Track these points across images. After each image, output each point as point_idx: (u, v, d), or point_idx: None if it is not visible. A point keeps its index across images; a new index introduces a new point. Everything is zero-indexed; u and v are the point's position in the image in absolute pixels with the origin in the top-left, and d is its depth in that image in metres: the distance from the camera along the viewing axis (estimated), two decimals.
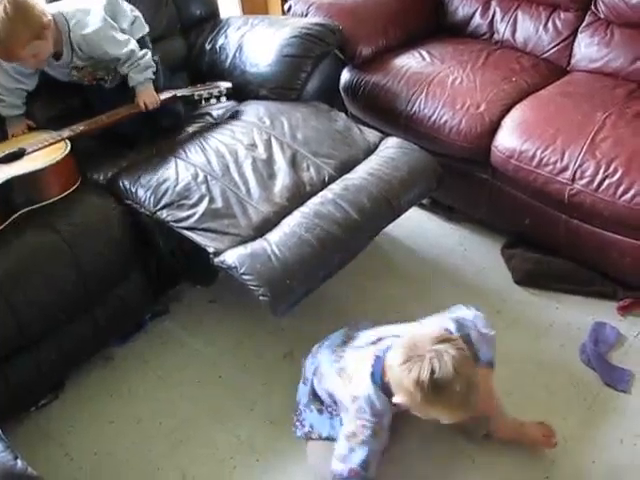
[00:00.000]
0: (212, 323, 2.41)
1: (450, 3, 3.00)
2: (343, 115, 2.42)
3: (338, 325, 1.98)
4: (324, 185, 2.11)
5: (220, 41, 2.69)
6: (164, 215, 2.02)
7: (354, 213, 2.00)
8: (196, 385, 2.21)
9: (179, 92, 2.42)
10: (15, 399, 2.04)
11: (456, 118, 2.44)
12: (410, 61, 2.70)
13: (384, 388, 1.64)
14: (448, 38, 2.90)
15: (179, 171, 2.12)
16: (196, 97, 2.43)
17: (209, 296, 2.49)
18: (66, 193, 2.10)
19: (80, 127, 2.21)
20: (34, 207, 2.04)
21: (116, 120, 2.27)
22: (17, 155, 2.11)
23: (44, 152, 2.11)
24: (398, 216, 2.14)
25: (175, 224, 1.99)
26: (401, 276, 2.51)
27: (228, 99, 2.47)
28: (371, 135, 2.34)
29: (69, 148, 2.12)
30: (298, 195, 2.07)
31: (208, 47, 2.72)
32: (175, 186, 2.07)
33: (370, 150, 2.28)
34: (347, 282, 2.38)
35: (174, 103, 2.41)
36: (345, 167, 2.19)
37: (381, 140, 2.33)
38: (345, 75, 2.76)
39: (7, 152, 2.12)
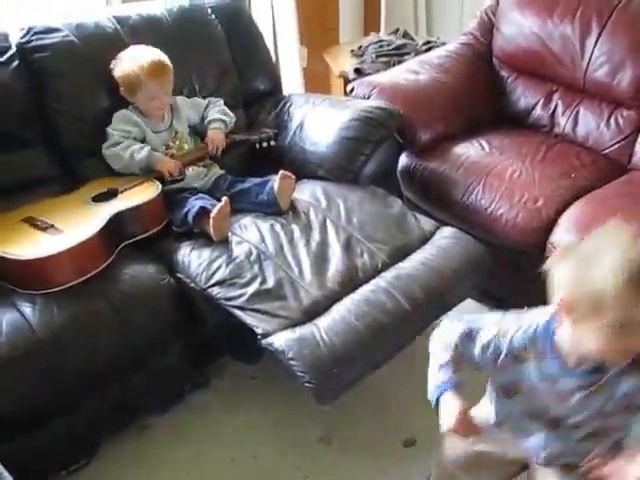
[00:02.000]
0: (251, 400, 2.39)
1: (512, 93, 3.02)
2: (399, 201, 2.42)
3: (379, 413, 1.94)
4: (377, 272, 2.10)
5: (282, 117, 2.73)
6: (215, 292, 2.02)
7: (405, 303, 1.98)
8: (229, 464, 2.18)
9: (237, 137, 2.61)
10: (47, 461, 2.03)
11: (513, 211, 2.43)
12: (469, 150, 2.71)
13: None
14: (508, 128, 2.90)
15: (233, 247, 2.13)
16: (252, 140, 2.62)
17: (250, 372, 2.47)
18: (159, 228, 2.26)
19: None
20: (134, 240, 2.21)
21: (186, 162, 2.43)
22: (111, 194, 2.26)
23: (135, 191, 2.28)
24: (449, 309, 2.12)
25: (225, 302, 1.99)
26: None
27: (275, 142, 2.62)
28: (426, 223, 2.33)
29: (160, 186, 2.27)
30: (350, 281, 2.06)
31: (269, 122, 2.76)
32: (228, 264, 2.07)
33: (425, 238, 2.27)
34: (391, 369, 2.34)
35: (233, 147, 2.60)
36: (399, 255, 2.18)
37: (436, 229, 2.32)
38: (403, 159, 2.78)
39: (100, 192, 2.27)
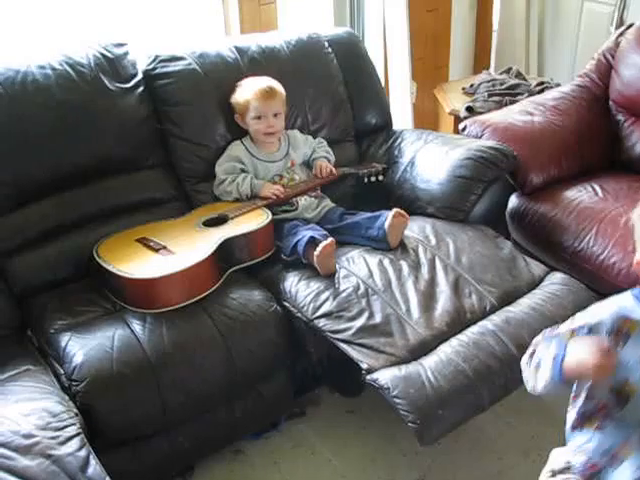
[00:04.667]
0: (347, 434, 2.38)
1: (627, 138, 2.94)
2: (509, 243, 2.38)
3: (475, 457, 1.90)
4: (485, 314, 2.07)
5: (392, 152, 2.75)
6: (321, 324, 2.03)
7: (514, 348, 1.94)
8: None
9: (347, 170, 2.66)
10: (145, 477, 2.07)
11: (626, 260, 2.34)
12: (582, 195, 2.65)
13: None
14: (623, 174, 2.83)
15: (340, 280, 2.14)
16: (360, 174, 2.65)
17: (347, 406, 2.46)
18: (267, 256, 2.31)
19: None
20: (242, 266, 2.26)
21: (298, 192, 2.49)
22: (222, 220, 2.32)
23: (246, 217, 2.33)
24: None
25: (331, 335, 2.00)
26: (548, 415, 2.40)
27: (384, 177, 2.65)
28: (536, 268, 2.29)
29: (270, 215, 2.31)
30: (458, 321, 2.03)
31: (379, 156, 2.78)
32: (336, 296, 2.08)
33: (534, 283, 2.22)
34: (491, 413, 2.30)
35: (343, 180, 2.67)
36: (508, 298, 2.14)
37: (546, 274, 2.27)
38: (513, 201, 2.74)
39: (211, 217, 2.34)
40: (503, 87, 3.47)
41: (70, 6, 2.91)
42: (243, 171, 2.48)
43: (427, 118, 3.74)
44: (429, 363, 1.89)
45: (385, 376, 1.84)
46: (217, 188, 2.49)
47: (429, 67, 3.96)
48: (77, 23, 2.94)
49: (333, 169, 2.58)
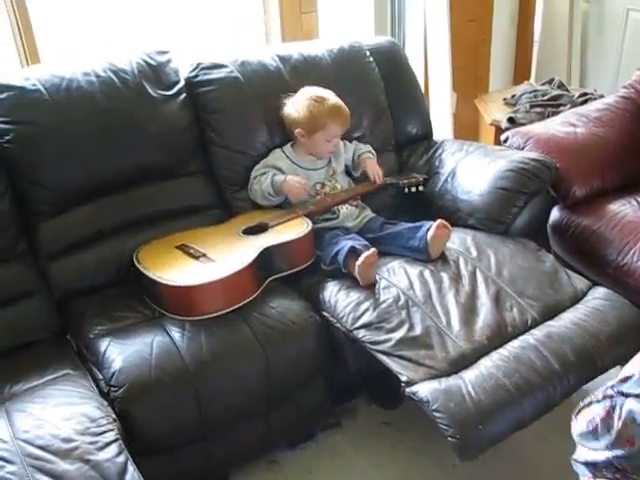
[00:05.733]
0: (382, 446, 2.37)
1: None
2: (551, 257, 2.35)
3: (514, 474, 1.87)
4: (526, 328, 2.04)
5: (433, 163, 2.74)
6: (360, 335, 2.02)
7: (555, 364, 1.91)
8: None
9: (387, 180, 2.64)
10: None
11: None
12: (625, 208, 2.60)
13: None
14: None
15: (380, 291, 2.13)
16: (401, 184, 2.64)
17: (383, 417, 2.45)
18: (306, 265, 2.31)
19: (310, 206, 2.45)
20: (281, 275, 2.26)
21: (340, 200, 2.49)
22: (262, 228, 2.33)
23: (286, 226, 2.33)
24: (601, 373, 2.03)
25: (370, 346, 1.98)
26: None
27: (424, 187, 2.64)
28: (579, 282, 2.25)
29: (310, 224, 2.32)
30: (499, 335, 2.01)
31: (419, 166, 2.77)
32: (376, 307, 2.07)
33: (577, 298, 2.19)
34: (532, 429, 2.26)
35: (383, 189, 2.67)
36: (549, 312, 2.11)
37: (589, 289, 2.23)
38: (555, 214, 2.70)
39: (251, 225, 2.35)
40: (545, 98, 3.43)
41: (118, 15, 2.97)
42: None
43: (467, 128, 3.72)
44: (469, 377, 1.86)
45: (425, 389, 1.82)
46: (249, 191, 2.50)
47: (469, 77, 3.94)
48: (124, 32, 2.99)
49: (380, 173, 2.59)
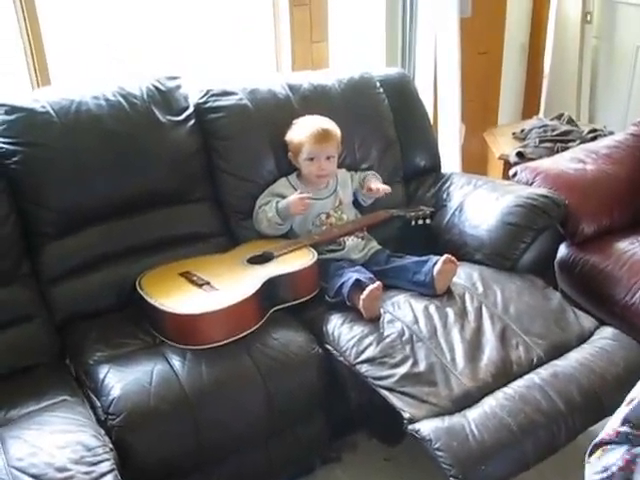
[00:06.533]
0: None
1: None
2: (558, 294, 2.33)
3: None
4: (531, 367, 2.02)
5: (441, 196, 2.73)
6: (363, 369, 2.00)
7: (561, 404, 1.89)
8: None
9: (394, 212, 2.64)
10: None
11: None
12: (634, 247, 2.58)
13: None
14: None
15: (385, 325, 2.11)
16: (408, 217, 2.62)
17: (384, 453, 2.40)
18: (311, 296, 2.29)
19: (315, 237, 2.43)
20: (285, 306, 2.23)
21: (345, 231, 2.48)
22: (267, 258, 2.31)
23: (291, 256, 2.32)
24: (608, 416, 1.98)
25: (373, 381, 1.96)
26: None
27: (432, 220, 2.62)
28: (586, 321, 2.23)
29: (316, 255, 2.30)
30: (504, 373, 1.98)
31: (427, 198, 2.77)
32: (379, 341, 2.05)
33: (584, 337, 2.17)
34: (535, 471, 2.22)
35: (390, 221, 2.64)
36: (555, 351, 2.09)
37: (596, 328, 2.21)
38: (562, 250, 2.69)
39: (256, 254, 2.33)
40: (555, 133, 3.43)
41: (130, 37, 2.98)
42: None
43: (475, 161, 3.71)
44: (473, 415, 1.84)
45: (427, 427, 1.80)
46: (254, 221, 2.49)
47: (478, 109, 3.94)
48: (136, 54, 3.01)
49: (385, 187, 2.56)
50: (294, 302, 2.25)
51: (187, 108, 2.50)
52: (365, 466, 2.39)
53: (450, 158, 3.53)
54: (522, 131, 3.57)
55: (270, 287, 2.17)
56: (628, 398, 1.43)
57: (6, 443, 1.73)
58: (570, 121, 3.61)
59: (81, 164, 2.25)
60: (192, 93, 2.55)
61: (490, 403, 1.89)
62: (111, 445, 1.79)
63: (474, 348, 2.05)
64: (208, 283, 2.17)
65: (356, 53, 3.57)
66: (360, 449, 2.44)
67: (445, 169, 3.01)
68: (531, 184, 2.72)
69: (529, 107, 4.28)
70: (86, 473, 1.64)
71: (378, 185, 2.56)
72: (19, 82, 2.76)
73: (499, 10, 3.86)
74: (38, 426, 1.81)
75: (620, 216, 2.75)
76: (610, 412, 1.98)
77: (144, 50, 3.00)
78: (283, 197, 2.46)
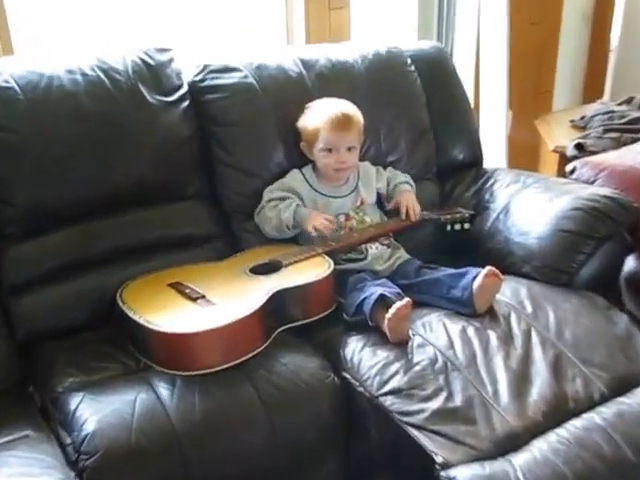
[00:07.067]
0: None
1: None
2: (624, 317, 2.33)
3: None
4: (592, 405, 2.02)
5: (482, 196, 2.75)
6: (387, 403, 2.00)
7: (629, 451, 1.88)
8: None
9: (427, 215, 2.66)
10: None
11: None
12: None
13: None
14: None
15: (414, 350, 2.12)
16: (442, 220, 2.65)
17: None
18: (325, 314, 2.30)
19: (332, 243, 2.44)
20: (295, 325, 2.25)
21: (367, 237, 2.49)
22: (273, 267, 2.32)
23: (302, 266, 2.33)
24: None
25: (399, 417, 1.96)
26: None
27: (471, 225, 2.64)
28: None
29: (332, 264, 2.31)
30: (557, 411, 1.98)
31: (466, 199, 2.78)
32: (407, 370, 2.05)
33: None
34: None
35: (421, 225, 2.67)
36: (621, 386, 2.09)
37: None
38: (630, 263, 2.68)
39: (260, 262, 2.34)
40: (622, 121, 3.43)
41: (120, 11, 3.00)
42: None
43: (525, 155, 3.72)
44: (519, 461, 1.84)
45: (464, 474, 1.80)
46: (257, 214, 2.51)
47: (529, 93, 3.95)
48: (125, 27, 3.03)
49: (417, 209, 2.57)
50: (306, 321, 2.26)
51: (180, 87, 2.51)
52: None
53: (494, 150, 3.55)
54: (582, 118, 3.58)
55: (277, 302, 2.18)
56: None
57: None
58: None
59: (51, 152, 2.26)
60: (187, 69, 2.57)
61: (540, 447, 1.88)
62: None
63: (521, 380, 2.05)
64: (203, 296, 2.18)
65: (383, 22, 3.58)
66: None
67: (488, 164, 3.03)
68: (593, 183, 2.73)
69: (592, 89, 4.29)
70: None
71: (409, 207, 2.57)
72: None
73: None
74: None
75: None
76: None
77: (133, 20, 3.02)
78: (297, 194, 2.48)
